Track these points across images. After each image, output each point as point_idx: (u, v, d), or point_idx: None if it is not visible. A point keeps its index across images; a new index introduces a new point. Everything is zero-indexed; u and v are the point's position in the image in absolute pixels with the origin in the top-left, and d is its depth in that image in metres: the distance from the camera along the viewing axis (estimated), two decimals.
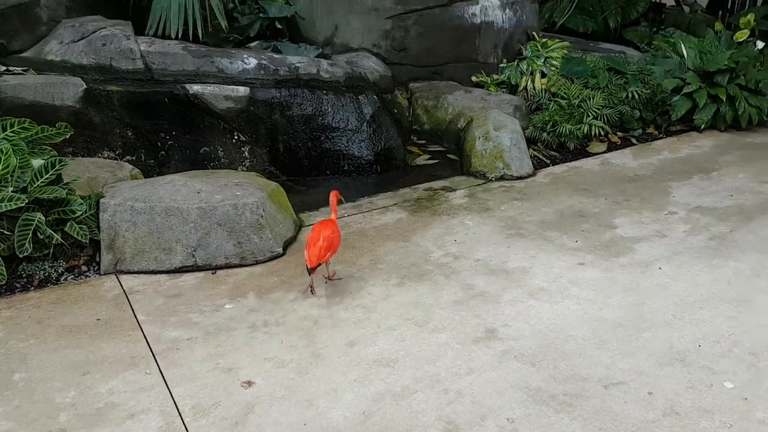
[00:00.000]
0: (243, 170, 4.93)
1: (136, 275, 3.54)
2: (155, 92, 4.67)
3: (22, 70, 4.73)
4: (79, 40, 4.82)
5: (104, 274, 3.55)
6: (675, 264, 3.75)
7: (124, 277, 3.52)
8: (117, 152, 4.72)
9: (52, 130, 4.01)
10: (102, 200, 3.65)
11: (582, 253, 3.85)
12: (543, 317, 3.22)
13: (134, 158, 4.74)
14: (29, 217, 3.35)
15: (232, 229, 3.62)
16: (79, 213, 3.52)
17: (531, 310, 3.28)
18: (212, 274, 3.56)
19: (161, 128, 4.76)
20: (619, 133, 5.75)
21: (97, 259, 3.63)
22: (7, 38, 4.93)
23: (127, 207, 3.59)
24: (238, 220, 3.63)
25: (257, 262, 3.65)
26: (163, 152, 4.81)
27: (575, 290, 3.46)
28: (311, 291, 3.38)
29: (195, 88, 4.69)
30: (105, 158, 4.68)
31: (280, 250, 3.73)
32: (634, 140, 5.72)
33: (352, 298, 3.36)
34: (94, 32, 4.84)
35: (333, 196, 3.56)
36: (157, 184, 3.83)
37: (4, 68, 4.73)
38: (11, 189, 3.37)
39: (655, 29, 7.45)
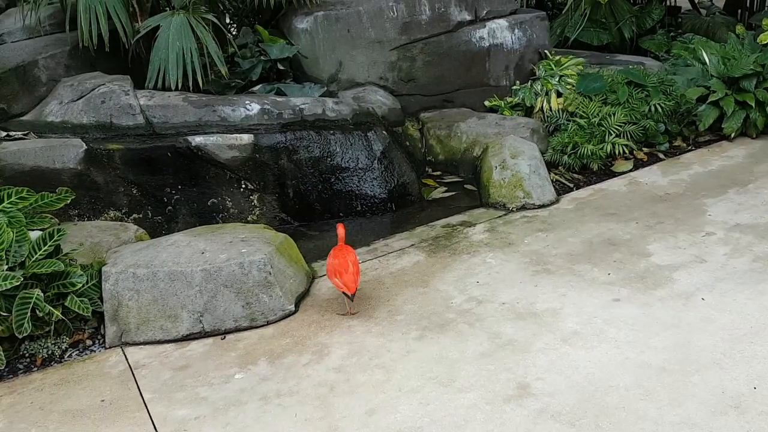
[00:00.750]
0: (253, 218, 4.76)
1: (142, 347, 3.36)
2: (157, 147, 4.54)
3: (23, 134, 4.64)
4: (78, 99, 4.73)
5: (110, 347, 3.37)
6: (718, 293, 3.45)
7: (129, 350, 3.34)
8: (123, 211, 4.58)
9: (52, 197, 3.89)
10: (104, 268, 3.48)
11: (616, 288, 3.57)
12: (579, 366, 2.95)
13: (141, 216, 4.60)
14: (27, 295, 3.20)
15: (240, 289, 3.42)
16: (80, 285, 3.36)
17: (565, 359, 3.00)
18: (221, 339, 3.36)
19: (166, 183, 4.62)
20: (645, 149, 5.45)
21: (102, 332, 3.46)
22: (7, 102, 4.86)
23: (129, 275, 3.42)
24: (245, 279, 3.43)
25: (268, 323, 3.44)
26: (170, 207, 4.66)
27: (612, 331, 3.18)
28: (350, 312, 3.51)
29: (197, 139, 4.55)
30: (111, 218, 4.55)
31: (292, 307, 3.52)
32: (661, 155, 5.43)
33: (369, 357, 3.12)
34: (93, 90, 4.74)
35: (340, 228, 3.66)
36: (160, 247, 3.66)
37: (5, 134, 4.64)
38: (6, 266, 3.22)
39: (672, 36, 7.16)
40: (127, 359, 3.26)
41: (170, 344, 3.36)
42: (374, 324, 3.39)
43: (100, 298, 3.45)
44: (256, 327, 3.43)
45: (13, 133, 4.64)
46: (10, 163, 4.26)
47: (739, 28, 6.55)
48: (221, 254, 3.51)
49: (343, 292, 3.42)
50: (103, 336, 3.43)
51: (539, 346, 3.11)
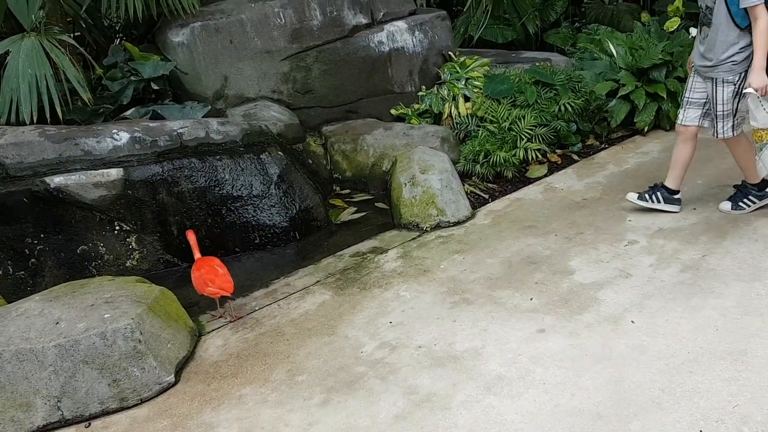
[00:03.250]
0: (133, 264, 4.16)
1: None
2: (9, 193, 3.87)
3: None
4: None
5: None
6: (648, 313, 3.15)
7: None
8: None
9: None
10: None
11: (540, 315, 3.22)
12: (506, 421, 2.56)
13: (0, 273, 3.92)
14: None
15: (104, 365, 2.85)
16: None
17: (490, 413, 2.61)
18: (85, 428, 2.78)
19: (26, 233, 3.95)
20: (558, 151, 5.19)
21: None
22: None
23: None
24: (108, 352, 2.86)
25: (142, 401, 2.88)
26: (33, 260, 4.00)
27: (539, 372, 2.82)
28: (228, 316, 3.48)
29: (56, 180, 3.91)
30: None
31: (171, 378, 2.97)
32: (575, 156, 5.18)
33: None
34: None
35: (190, 235, 3.65)
36: (8, 319, 3.02)
37: None
38: None
39: (577, 28, 6.98)
40: None
41: None
42: (271, 390, 2.89)
43: None
44: (128, 407, 2.86)
45: None
46: None
47: (644, 16, 6.43)
48: (79, 323, 2.92)
49: (222, 297, 3.43)
50: None
51: (460, 399, 2.70)
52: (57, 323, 2.94)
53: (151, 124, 4.26)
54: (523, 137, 4.84)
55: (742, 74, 3.61)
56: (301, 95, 5.34)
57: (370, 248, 4.16)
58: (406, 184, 4.46)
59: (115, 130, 4.12)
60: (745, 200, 3.94)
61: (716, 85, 3.69)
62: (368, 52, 5.48)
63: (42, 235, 3.98)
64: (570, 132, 5.16)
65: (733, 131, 3.76)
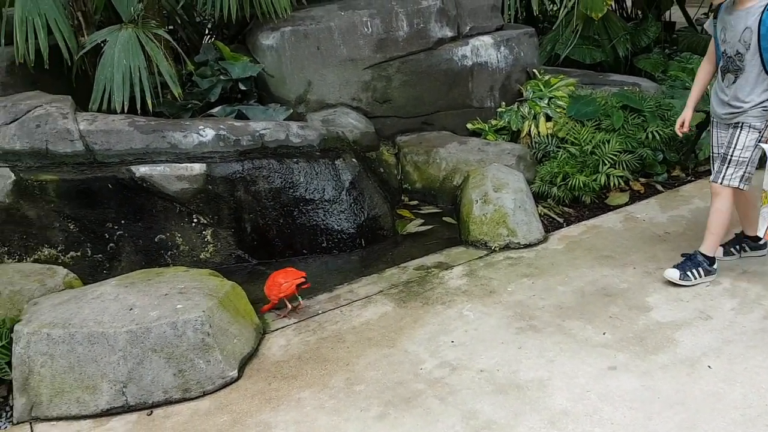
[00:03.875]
0: (206, 256, 4.26)
1: (54, 423, 2.84)
2: (96, 178, 4.03)
3: None
4: (11, 122, 4.20)
5: (18, 422, 2.85)
6: (726, 358, 2.98)
7: (39, 427, 2.82)
8: (59, 249, 4.07)
9: None
10: (16, 327, 2.97)
11: (612, 352, 3.09)
12: None
13: (79, 254, 4.09)
14: None
15: (171, 354, 2.91)
16: None
17: None
18: (147, 415, 2.85)
19: (108, 218, 4.11)
20: (642, 180, 5.00)
21: (11, 403, 2.94)
22: None
23: (42, 336, 2.91)
24: (177, 342, 2.92)
25: (204, 394, 2.93)
26: (112, 245, 4.15)
27: (608, 411, 2.70)
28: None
29: (142, 170, 4.04)
30: (45, 256, 4.04)
31: (234, 373, 3.01)
32: (659, 186, 4.97)
33: None
34: (28, 112, 4.22)
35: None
36: (84, 300, 3.14)
37: None
38: None
39: (668, 54, 6.73)
40: None
41: (87, 421, 2.84)
42: (329, 396, 2.89)
43: (9, 363, 2.93)
44: (190, 399, 2.91)
45: None
46: None
47: None
48: (152, 311, 3.00)
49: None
50: (12, 408, 2.91)
51: (522, 430, 2.62)
52: (130, 309, 3.03)
53: (235, 123, 4.36)
54: (606, 162, 4.69)
55: None
56: (380, 104, 5.36)
57: (435, 263, 4.11)
58: (477, 200, 4.39)
59: (201, 126, 4.24)
60: (694, 271, 3.60)
61: (741, 130, 3.47)
62: (450, 65, 5.45)
63: (122, 222, 4.13)
64: (656, 161, 4.97)
65: (740, 182, 3.49)
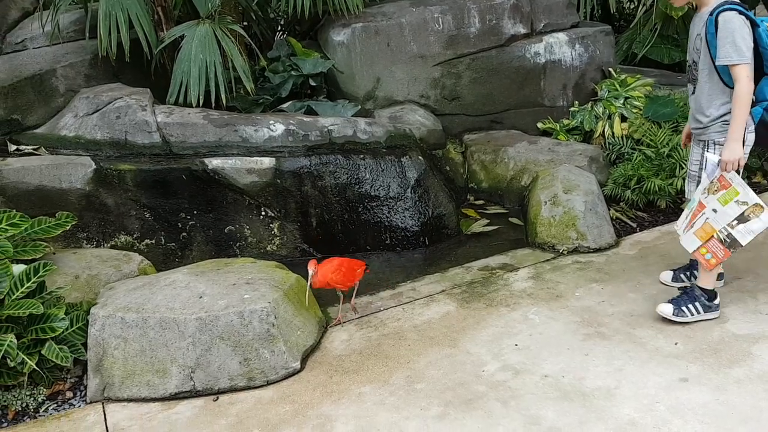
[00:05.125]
0: (273, 248, 4.34)
1: (125, 404, 2.95)
2: (171, 169, 4.17)
3: (33, 149, 4.35)
4: (93, 112, 4.41)
5: (90, 402, 2.98)
6: None
7: (111, 408, 2.94)
8: (135, 236, 4.23)
9: (50, 222, 3.55)
10: (92, 310, 3.10)
11: (684, 363, 2.96)
12: None
13: (153, 242, 4.24)
14: None
15: (237, 343, 2.98)
16: (60, 330, 2.98)
17: None
18: (213, 401, 2.92)
19: (181, 208, 4.24)
20: None
21: (85, 382, 3.07)
22: (21, 113, 4.59)
23: (117, 319, 3.03)
24: (243, 331, 2.99)
25: (268, 383, 2.98)
26: (184, 234, 4.29)
27: (677, 424, 2.59)
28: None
29: (214, 162, 4.15)
30: (122, 243, 4.21)
31: (297, 365, 3.05)
32: None
33: None
34: (109, 103, 4.41)
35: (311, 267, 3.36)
36: (156, 287, 3.25)
37: (14, 147, 4.37)
38: None
39: None
40: (105, 421, 2.85)
41: (156, 403, 2.94)
42: (389, 393, 2.89)
43: (85, 345, 3.07)
44: (254, 387, 2.97)
45: (24, 147, 4.37)
46: (13, 181, 3.96)
47: None
48: (220, 300, 3.08)
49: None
50: (86, 387, 3.04)
51: None
52: (200, 297, 3.11)
53: (305, 119, 4.42)
54: (683, 166, 4.49)
55: None
56: (448, 102, 5.32)
57: (500, 264, 4.05)
58: (546, 202, 4.30)
59: (272, 121, 4.32)
60: (690, 306, 3.25)
61: (707, 149, 3.18)
62: (522, 63, 5.35)
63: (195, 212, 4.26)
64: None
65: None
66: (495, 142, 5.23)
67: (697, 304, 3.22)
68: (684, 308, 3.22)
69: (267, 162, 4.19)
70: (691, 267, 3.55)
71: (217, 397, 2.94)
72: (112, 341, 3.01)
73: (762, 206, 3.01)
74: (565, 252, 4.09)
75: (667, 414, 2.65)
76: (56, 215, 3.60)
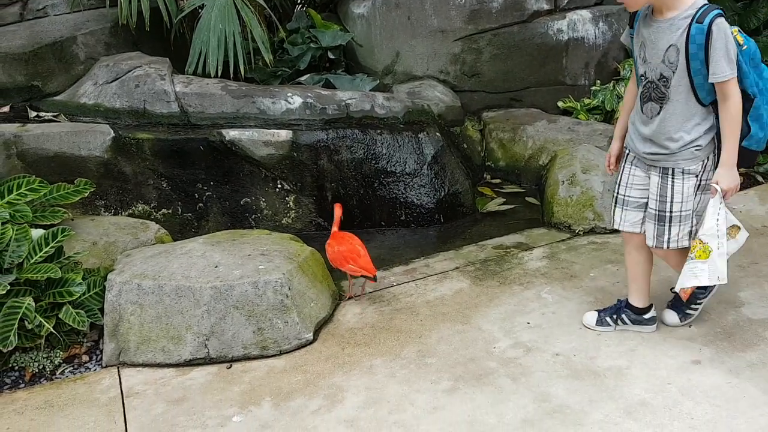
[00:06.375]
0: (288, 222, 4.36)
1: (140, 369, 3.00)
2: (189, 139, 4.18)
3: (53, 116, 4.39)
4: (112, 81, 4.43)
5: (106, 366, 3.03)
6: None
7: (126, 372, 2.99)
8: (152, 205, 4.27)
9: (69, 189, 3.59)
10: (109, 276, 3.14)
11: (697, 345, 2.95)
12: None
13: (170, 212, 4.28)
14: (16, 303, 2.89)
15: (252, 312, 3.01)
16: (78, 295, 3.02)
17: None
18: (227, 368, 2.96)
19: (198, 178, 4.27)
20: (741, 170, 4.69)
21: (101, 347, 3.13)
22: (41, 80, 4.63)
23: (133, 286, 3.07)
24: (258, 301, 3.01)
25: (281, 353, 3.02)
26: (201, 204, 4.32)
27: (689, 405, 2.58)
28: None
29: (232, 133, 4.16)
30: (139, 211, 4.25)
31: (310, 336, 3.08)
32: (759, 177, 4.67)
33: (389, 410, 2.65)
34: (128, 72, 4.43)
35: (338, 209, 3.54)
36: (173, 255, 3.29)
37: (34, 114, 4.41)
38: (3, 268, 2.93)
39: None
40: (120, 384, 2.91)
41: (170, 369, 2.98)
42: (400, 366, 2.91)
43: (100, 310, 3.11)
44: (267, 357, 3.01)
45: (44, 113, 4.41)
46: (33, 147, 4.00)
47: None
48: (235, 270, 3.10)
49: (363, 276, 3.38)
50: (102, 352, 3.10)
51: (597, 417, 2.55)
52: (216, 267, 3.14)
53: (322, 92, 4.40)
54: None
55: (705, 163, 2.70)
56: (468, 78, 5.27)
57: (515, 243, 4.04)
58: (563, 181, 4.26)
59: (290, 94, 4.31)
60: (614, 316, 3.07)
61: (673, 179, 2.72)
62: (545, 40, 5.28)
63: (211, 183, 4.28)
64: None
65: (689, 240, 2.79)
66: (514, 120, 5.18)
67: (623, 316, 3.05)
68: (608, 318, 3.07)
69: (284, 134, 4.18)
70: (618, 310, 3.10)
71: (231, 365, 2.98)
72: (129, 307, 3.05)
73: (738, 227, 2.79)
74: (581, 233, 4.07)
75: (678, 395, 2.64)
76: (75, 182, 3.63)
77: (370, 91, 4.70)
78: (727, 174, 2.65)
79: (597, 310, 3.13)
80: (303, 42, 4.91)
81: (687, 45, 2.51)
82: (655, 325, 3.06)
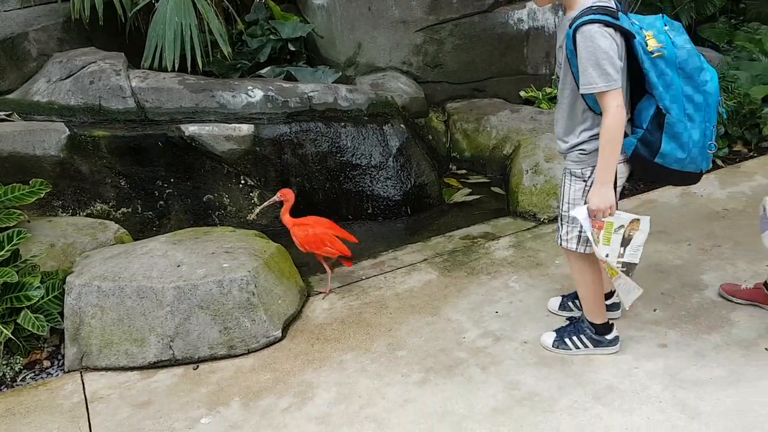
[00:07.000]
0: (253, 218, 4.28)
1: (103, 373, 2.92)
2: (147, 136, 4.07)
3: (6, 115, 4.22)
4: (66, 77, 4.28)
5: (68, 371, 2.95)
6: None
7: (89, 376, 2.91)
8: (110, 204, 4.15)
9: (23, 190, 3.46)
10: (68, 278, 3.05)
11: (663, 329, 2.99)
12: None
13: (130, 210, 4.17)
14: None
15: (217, 311, 2.95)
16: (36, 299, 2.92)
17: (597, 423, 2.46)
18: (193, 369, 2.90)
19: (158, 175, 4.17)
20: None
21: (63, 352, 3.03)
22: None
23: (93, 288, 2.98)
24: (223, 300, 2.95)
25: (249, 352, 2.97)
26: (161, 202, 4.21)
27: (656, 389, 2.62)
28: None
29: (191, 129, 4.07)
30: (98, 211, 4.13)
31: (278, 333, 3.04)
32: (719, 162, 4.76)
33: (360, 404, 2.62)
34: (82, 68, 4.29)
35: (289, 194, 3.42)
36: (133, 255, 3.20)
37: None
38: None
39: (735, 25, 6.39)
40: (84, 389, 2.82)
41: (135, 372, 2.91)
42: (370, 360, 2.89)
43: (62, 314, 3.02)
44: (235, 356, 2.96)
45: None
46: None
47: None
48: (199, 269, 3.04)
49: (339, 257, 3.38)
50: (63, 357, 3.00)
51: (566, 403, 2.57)
52: (178, 266, 3.07)
53: (284, 85, 4.34)
54: None
55: (595, 170, 2.49)
56: (431, 69, 5.25)
57: (482, 233, 4.05)
58: (527, 171, 4.29)
59: (250, 87, 4.23)
60: (574, 338, 2.84)
61: (565, 179, 2.64)
62: (505, 30, 5.29)
63: (172, 180, 4.18)
64: (717, 135, 4.74)
65: (578, 245, 2.66)
66: (477, 110, 5.19)
67: (582, 336, 2.82)
68: (567, 340, 2.84)
69: (245, 129, 4.11)
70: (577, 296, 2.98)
71: (197, 366, 2.92)
72: (89, 310, 2.96)
73: (638, 219, 2.58)
74: (546, 221, 4.10)
75: (645, 379, 2.68)
76: (30, 183, 3.51)
77: (332, 83, 4.64)
78: (597, 192, 2.45)
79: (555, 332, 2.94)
80: (262, 34, 4.83)
81: (566, 49, 2.40)
82: (617, 347, 2.85)
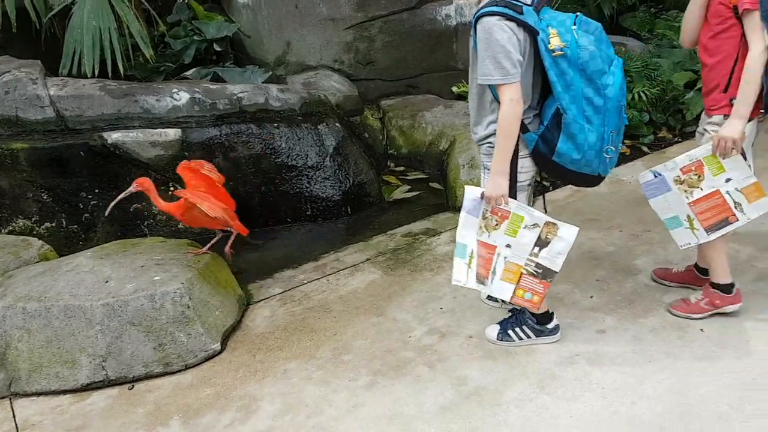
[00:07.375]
0: (185, 226, 4.13)
1: (34, 398, 2.75)
2: (68, 146, 3.88)
3: None
4: None
5: None
6: (719, 323, 2.94)
7: (19, 403, 2.73)
8: (33, 219, 3.93)
9: None
10: None
11: (600, 315, 3.05)
12: (561, 425, 2.42)
13: (54, 225, 3.96)
14: None
15: (150, 327, 2.82)
16: None
17: (544, 413, 2.48)
18: (129, 389, 2.77)
19: (81, 187, 3.97)
20: (627, 141, 4.94)
21: None
22: None
23: (18, 310, 2.80)
24: (156, 315, 2.83)
25: (186, 367, 2.85)
26: (87, 215, 4.02)
27: (597, 375, 2.66)
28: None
29: (114, 136, 3.89)
30: (20, 227, 3.91)
31: (217, 346, 2.93)
32: (645, 148, 4.92)
33: (307, 414, 2.56)
34: None
35: (145, 182, 3.29)
36: (58, 273, 3.03)
37: None
38: None
39: (655, 13, 6.62)
40: (14, 416, 2.65)
41: (67, 396, 2.75)
42: (316, 367, 2.82)
43: None
44: (172, 373, 2.83)
45: None
46: None
47: None
48: (128, 283, 2.90)
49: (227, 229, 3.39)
50: None
51: (512, 395, 2.58)
52: (107, 282, 2.92)
53: (211, 86, 4.20)
54: None
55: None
56: (363, 66, 5.21)
57: (423, 229, 4.04)
58: (464, 165, 4.30)
59: (175, 90, 4.07)
60: (517, 329, 2.87)
61: (483, 173, 2.67)
62: (434, 26, 5.30)
63: (97, 191, 3.99)
64: (642, 122, 4.90)
65: None
66: (412, 107, 5.18)
67: (525, 327, 2.84)
68: (510, 332, 2.86)
69: (172, 134, 3.96)
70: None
71: (133, 386, 2.78)
72: (15, 333, 2.78)
73: (555, 224, 2.57)
74: None
75: (587, 366, 2.72)
76: None
77: (262, 83, 4.54)
78: (490, 180, 2.48)
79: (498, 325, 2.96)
80: (186, 35, 4.67)
81: (472, 39, 2.41)
82: (558, 335, 2.89)
